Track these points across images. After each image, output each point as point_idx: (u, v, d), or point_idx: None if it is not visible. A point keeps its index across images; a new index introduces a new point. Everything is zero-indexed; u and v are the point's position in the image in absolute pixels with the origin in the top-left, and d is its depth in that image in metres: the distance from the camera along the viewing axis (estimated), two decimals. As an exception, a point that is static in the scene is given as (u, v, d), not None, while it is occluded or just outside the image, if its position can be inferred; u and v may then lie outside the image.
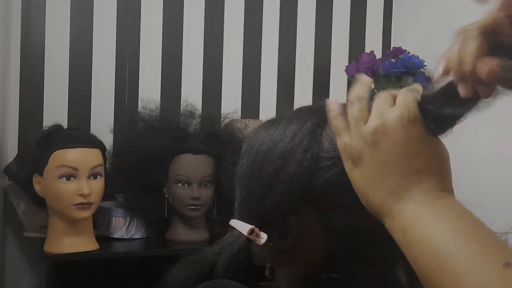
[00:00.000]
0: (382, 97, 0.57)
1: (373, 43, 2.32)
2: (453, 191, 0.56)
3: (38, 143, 1.59)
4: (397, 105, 0.55)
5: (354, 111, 0.57)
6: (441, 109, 0.54)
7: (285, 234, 0.63)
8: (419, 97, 0.56)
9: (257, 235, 0.64)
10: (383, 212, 0.55)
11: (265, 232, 0.64)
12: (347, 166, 0.58)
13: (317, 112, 0.66)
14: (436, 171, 0.55)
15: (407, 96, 0.55)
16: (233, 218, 0.69)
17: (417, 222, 0.52)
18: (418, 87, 0.58)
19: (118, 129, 1.94)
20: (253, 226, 0.64)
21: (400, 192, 0.54)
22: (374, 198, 0.56)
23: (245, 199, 0.67)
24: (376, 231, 0.61)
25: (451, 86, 0.53)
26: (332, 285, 0.63)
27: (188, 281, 0.68)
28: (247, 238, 0.65)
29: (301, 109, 0.68)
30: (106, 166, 1.69)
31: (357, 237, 0.61)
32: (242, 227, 0.66)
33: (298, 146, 0.63)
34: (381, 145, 0.55)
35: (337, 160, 0.61)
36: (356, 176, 0.57)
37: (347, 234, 0.61)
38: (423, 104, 0.55)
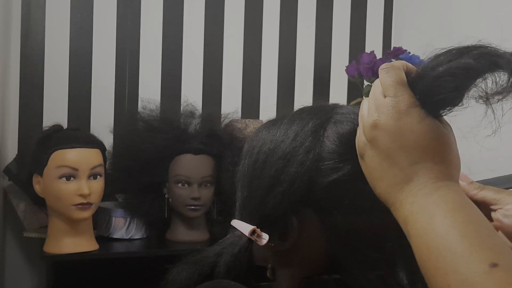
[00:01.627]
0: (376, 87, 0.57)
1: (373, 43, 2.32)
2: (455, 177, 0.55)
3: (38, 143, 1.59)
4: (387, 98, 0.55)
5: (362, 107, 0.59)
6: (432, 91, 0.53)
7: (286, 234, 0.63)
8: (403, 75, 0.55)
9: (259, 236, 0.64)
10: (389, 203, 0.56)
11: (266, 233, 0.64)
12: (359, 160, 0.59)
13: (319, 113, 0.66)
14: (435, 159, 0.54)
15: (393, 84, 0.55)
16: (234, 219, 0.69)
17: (415, 215, 0.52)
18: (399, 63, 0.57)
19: (118, 129, 1.94)
20: (255, 226, 0.64)
21: (400, 184, 0.54)
22: (379, 190, 0.56)
23: (246, 200, 0.67)
24: (377, 232, 0.61)
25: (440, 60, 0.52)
26: (333, 286, 0.63)
27: (189, 281, 0.68)
28: (248, 239, 0.65)
29: (303, 110, 0.68)
30: (106, 166, 1.69)
31: (358, 239, 0.61)
32: (243, 227, 0.66)
33: (300, 146, 0.63)
34: (378, 139, 0.55)
35: (339, 162, 0.61)
36: (364, 169, 0.58)
37: (348, 236, 0.61)
38: (413, 85, 0.54)
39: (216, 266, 0.67)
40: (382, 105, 0.55)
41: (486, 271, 0.46)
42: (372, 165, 0.56)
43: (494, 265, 0.46)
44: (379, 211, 0.59)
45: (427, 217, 0.51)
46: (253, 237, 0.64)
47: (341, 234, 0.61)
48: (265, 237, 0.63)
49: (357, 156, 0.60)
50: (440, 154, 0.54)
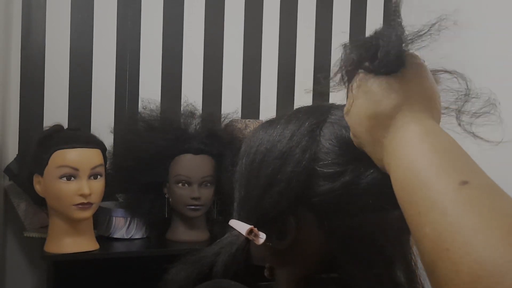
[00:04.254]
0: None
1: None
2: (421, 108, 0.55)
3: (39, 143, 1.59)
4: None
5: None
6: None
7: (283, 234, 0.63)
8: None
9: (256, 235, 0.64)
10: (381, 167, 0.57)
11: (263, 232, 0.64)
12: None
13: (315, 113, 0.66)
14: (397, 104, 0.55)
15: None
16: (232, 218, 0.70)
17: (389, 165, 0.53)
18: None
19: (118, 129, 1.94)
20: (252, 226, 0.64)
21: (375, 139, 0.56)
22: (370, 151, 0.58)
23: (244, 199, 0.67)
24: (375, 231, 0.61)
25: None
26: (331, 285, 0.63)
27: (188, 281, 0.68)
28: (246, 238, 0.65)
29: (300, 110, 0.68)
30: (107, 166, 1.69)
31: (356, 238, 0.61)
32: (241, 227, 0.66)
33: (296, 146, 0.63)
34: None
35: (335, 161, 0.61)
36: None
37: (346, 235, 0.61)
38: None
39: (215, 265, 0.67)
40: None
41: (456, 188, 0.45)
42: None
43: (464, 182, 0.45)
44: (377, 210, 0.59)
45: (395, 159, 0.52)
46: (251, 237, 0.64)
47: (338, 233, 0.61)
48: (262, 237, 0.64)
49: (353, 155, 0.60)
50: (404, 102, 0.55)
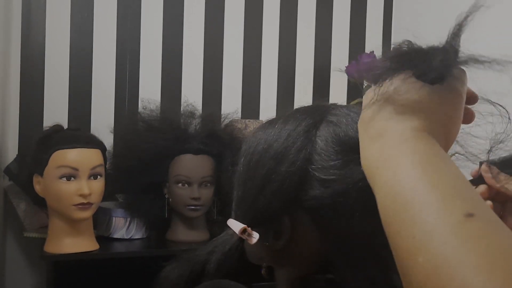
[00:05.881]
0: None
1: (373, 43, 2.32)
2: (438, 133, 0.51)
3: (39, 144, 1.59)
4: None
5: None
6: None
7: (279, 234, 0.63)
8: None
9: (249, 235, 0.64)
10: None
11: (259, 232, 0.64)
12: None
13: (313, 113, 0.66)
14: (420, 114, 0.51)
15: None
16: (230, 218, 0.70)
17: (381, 170, 0.50)
18: None
19: (118, 130, 1.94)
20: (245, 225, 0.65)
21: (376, 134, 0.52)
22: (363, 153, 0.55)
23: (240, 199, 0.67)
24: (370, 234, 0.61)
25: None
26: (326, 286, 0.63)
27: (181, 279, 0.69)
28: (240, 237, 0.65)
29: (298, 110, 0.68)
30: (107, 166, 1.69)
31: (351, 240, 0.61)
32: (236, 226, 0.66)
33: (292, 146, 0.63)
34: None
35: (331, 162, 0.61)
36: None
37: (340, 236, 0.61)
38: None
39: (207, 263, 0.67)
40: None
41: (461, 220, 0.41)
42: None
43: (470, 215, 0.42)
44: (372, 212, 0.59)
45: (393, 169, 0.48)
46: (244, 236, 0.64)
47: (333, 234, 0.61)
48: (255, 236, 0.63)
49: (350, 154, 0.60)
50: (426, 110, 0.51)
